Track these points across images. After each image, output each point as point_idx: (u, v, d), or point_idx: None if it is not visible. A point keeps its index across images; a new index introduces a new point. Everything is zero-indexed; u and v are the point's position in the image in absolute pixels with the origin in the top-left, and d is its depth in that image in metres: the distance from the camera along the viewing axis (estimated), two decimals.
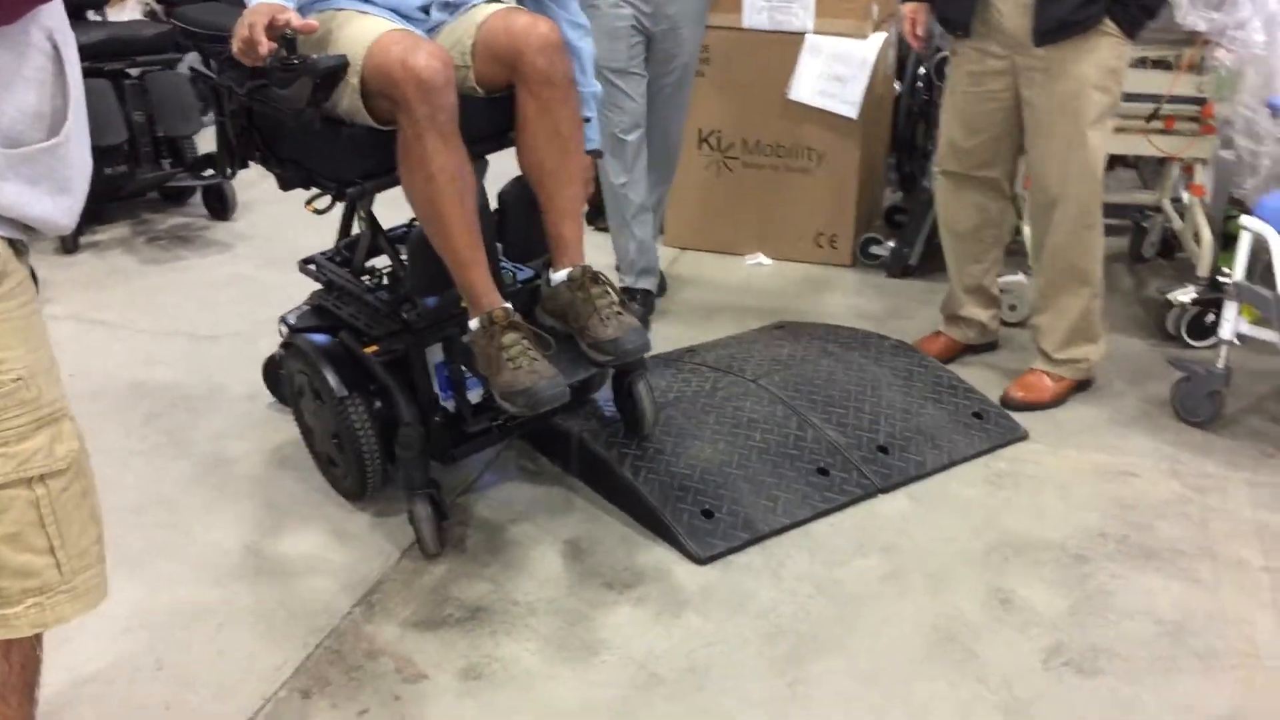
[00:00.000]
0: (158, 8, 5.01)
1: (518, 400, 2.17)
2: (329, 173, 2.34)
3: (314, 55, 2.06)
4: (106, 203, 4.30)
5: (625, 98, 3.22)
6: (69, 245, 4.07)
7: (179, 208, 4.57)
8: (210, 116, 5.04)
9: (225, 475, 2.75)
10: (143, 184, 4.26)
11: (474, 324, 2.26)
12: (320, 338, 2.52)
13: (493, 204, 2.49)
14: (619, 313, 2.31)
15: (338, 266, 2.64)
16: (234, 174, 2.52)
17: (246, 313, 3.58)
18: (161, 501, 2.64)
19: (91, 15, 4.44)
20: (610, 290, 2.35)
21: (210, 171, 4.34)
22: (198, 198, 4.52)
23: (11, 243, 1.27)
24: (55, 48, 1.26)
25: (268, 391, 3.04)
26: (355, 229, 2.63)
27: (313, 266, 2.67)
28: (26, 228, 1.29)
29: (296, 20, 2.03)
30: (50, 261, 3.97)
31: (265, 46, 2.00)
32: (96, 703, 2.04)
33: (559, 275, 2.37)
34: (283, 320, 2.65)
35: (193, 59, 4.81)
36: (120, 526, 2.54)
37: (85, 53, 4.15)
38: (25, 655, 1.41)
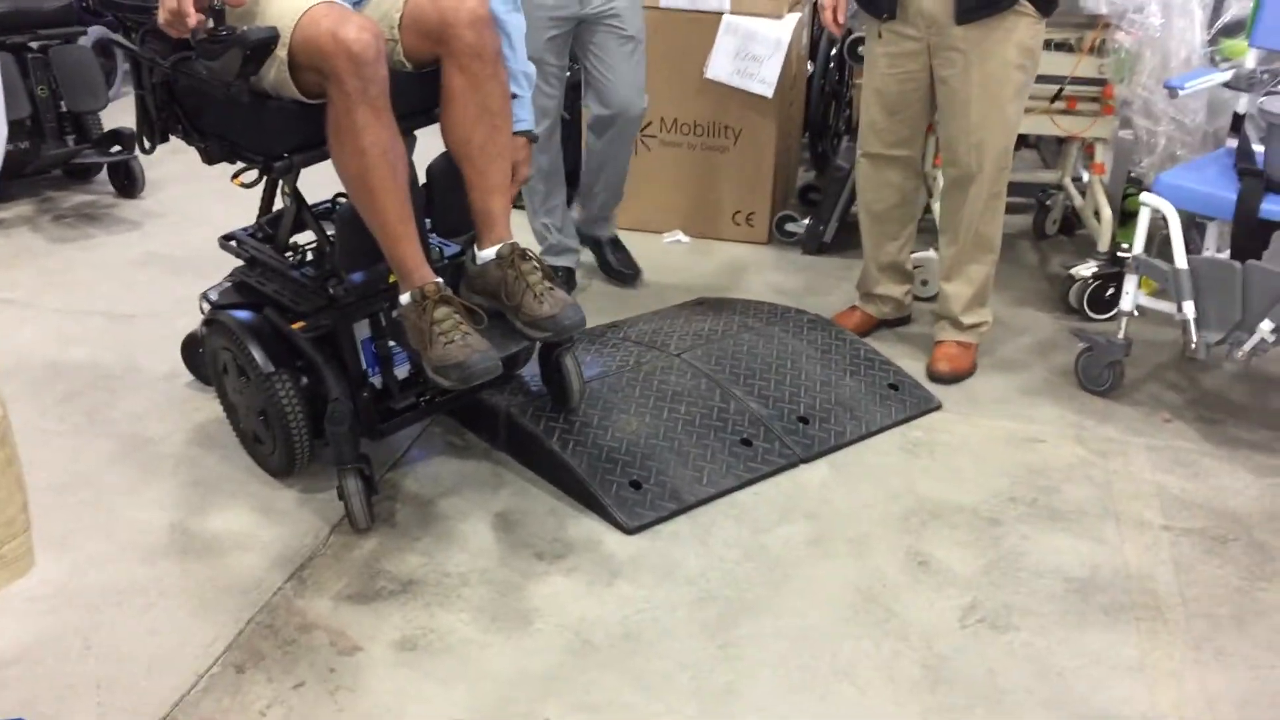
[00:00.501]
0: None
1: (451, 374, 2.19)
2: (256, 147, 2.32)
3: (243, 27, 2.05)
4: (9, 180, 4.18)
5: (539, 91, 3.23)
6: None
7: (84, 185, 4.46)
8: (115, 91, 4.97)
9: (148, 454, 2.71)
10: (47, 160, 4.16)
11: (405, 298, 2.27)
12: (244, 314, 2.51)
13: (421, 179, 2.49)
14: (551, 289, 2.34)
15: (260, 243, 2.62)
16: (153, 148, 2.47)
17: (162, 291, 3.53)
18: (83, 481, 2.61)
19: None
20: (539, 266, 2.38)
21: (118, 148, 4.25)
22: (103, 175, 4.42)
23: None
24: None
25: (187, 370, 3.01)
26: (277, 204, 2.62)
27: (234, 243, 2.64)
28: None
29: None
30: None
31: (194, 19, 1.98)
32: (24, 684, 2.01)
33: (487, 253, 2.39)
34: (204, 297, 2.62)
35: (96, 32, 4.70)
36: (41, 506, 2.47)
37: None
38: None
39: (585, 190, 3.57)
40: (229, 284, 2.64)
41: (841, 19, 3.12)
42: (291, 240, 2.61)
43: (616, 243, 3.74)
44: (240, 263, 2.64)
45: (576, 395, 2.66)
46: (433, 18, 2.25)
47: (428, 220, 2.51)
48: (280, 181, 2.50)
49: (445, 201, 2.47)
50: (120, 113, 4.51)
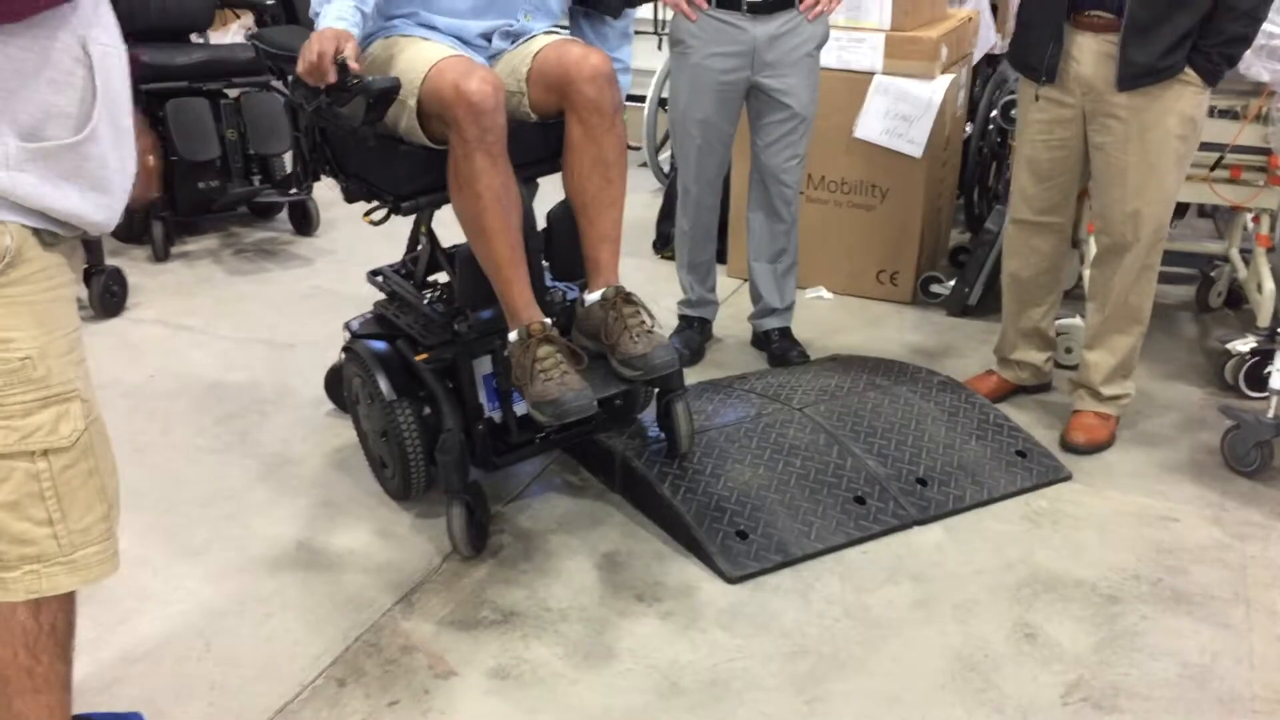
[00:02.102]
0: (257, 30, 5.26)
1: (546, 410, 2.28)
2: (388, 187, 2.48)
3: (370, 76, 2.20)
4: (198, 215, 4.52)
5: (698, 150, 3.30)
6: (160, 254, 4.29)
7: (266, 222, 4.78)
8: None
9: (287, 474, 2.88)
10: (233, 198, 4.48)
11: (512, 336, 2.37)
12: (378, 344, 2.65)
13: (541, 224, 2.59)
14: (649, 331, 2.40)
15: (401, 279, 2.77)
16: (309, 186, 2.66)
17: (323, 323, 3.74)
18: (227, 496, 2.78)
19: (194, 37, 4.69)
20: (642, 310, 2.44)
21: (295, 189, 4.54)
22: (284, 213, 4.74)
23: (36, 231, 1.37)
24: (86, 53, 1.36)
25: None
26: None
27: (380, 278, 2.80)
28: (59, 221, 1.39)
29: (351, 51, 2.17)
30: (141, 269, 4.19)
31: (327, 72, 2.14)
32: (145, 680, 2.16)
33: (593, 296, 2.47)
34: (346, 326, 2.79)
35: None
36: (185, 518, 2.69)
37: (185, 73, 4.40)
38: (55, 617, 1.50)
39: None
40: (370, 315, 2.80)
41: (697, 3, 3.11)
42: (433, 278, 2.75)
43: (785, 331, 3.61)
44: (384, 296, 2.80)
45: (684, 442, 2.69)
46: (557, 72, 2.36)
47: (547, 264, 2.61)
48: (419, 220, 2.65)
49: (563, 246, 2.56)
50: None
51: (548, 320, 2.37)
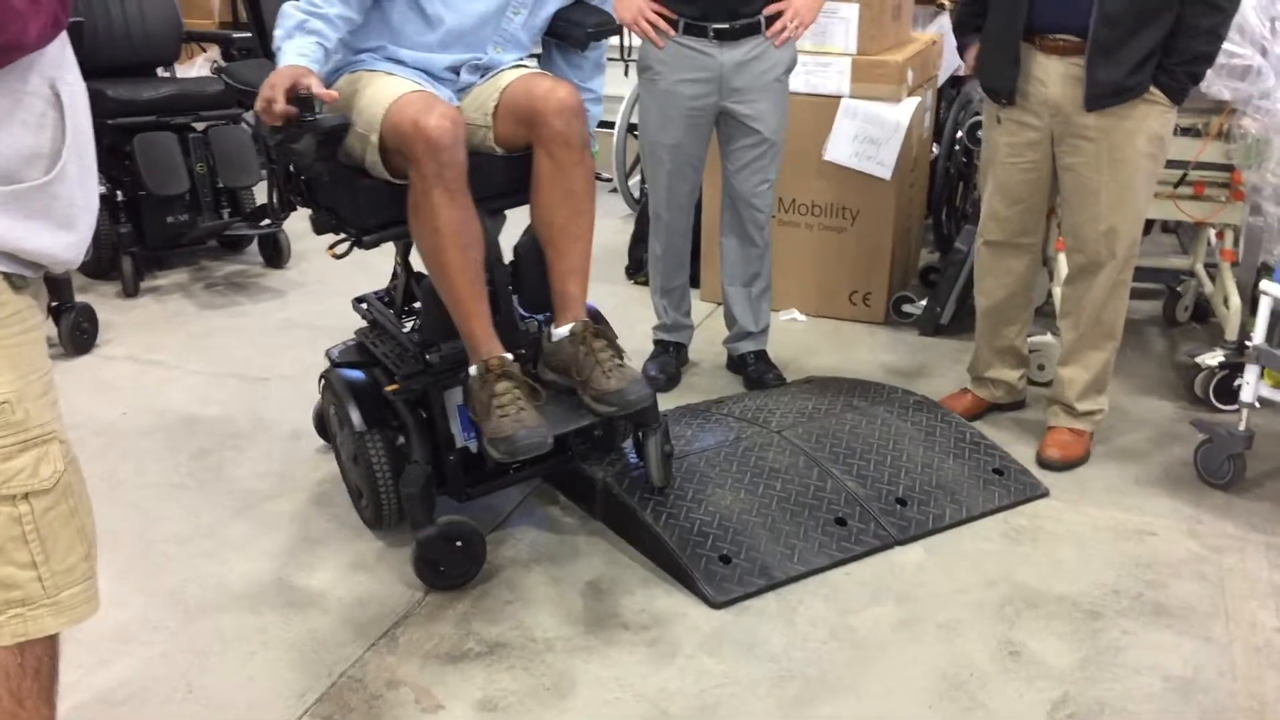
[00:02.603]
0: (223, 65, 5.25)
1: (500, 446, 2.29)
2: (352, 220, 2.49)
3: (320, 114, 2.21)
4: (168, 250, 4.49)
5: (667, 175, 3.32)
6: (130, 289, 4.25)
7: (236, 255, 4.76)
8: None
9: (266, 510, 2.86)
10: (203, 232, 4.45)
11: (472, 370, 2.38)
12: (353, 373, 2.65)
13: (508, 256, 2.60)
14: (621, 365, 2.40)
15: (384, 306, 2.77)
16: (284, 217, 2.66)
17: (297, 357, 3.72)
18: (205, 533, 2.76)
19: (161, 72, 4.67)
20: (611, 344, 2.44)
21: (267, 221, 4.52)
22: (254, 246, 4.71)
23: (8, 276, 1.37)
24: (56, 94, 1.37)
25: (313, 432, 3.16)
26: None
27: (364, 305, 2.80)
28: (27, 262, 1.39)
29: (317, 86, 2.18)
30: (111, 304, 4.15)
31: (281, 107, 2.16)
32: None
33: (561, 331, 2.47)
34: (327, 354, 2.78)
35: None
36: (163, 557, 2.66)
37: (153, 107, 4.39)
38: (39, 660, 1.48)
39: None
40: (351, 343, 2.79)
41: (664, 29, 3.14)
42: (417, 304, 2.75)
43: (760, 354, 3.61)
44: (365, 323, 2.79)
45: (657, 478, 2.66)
46: (525, 106, 2.38)
47: (516, 296, 2.62)
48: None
49: (531, 278, 2.57)
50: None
51: (508, 355, 2.39)
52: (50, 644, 1.50)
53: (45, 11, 1.28)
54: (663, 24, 3.16)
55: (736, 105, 3.22)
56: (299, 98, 2.17)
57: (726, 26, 3.13)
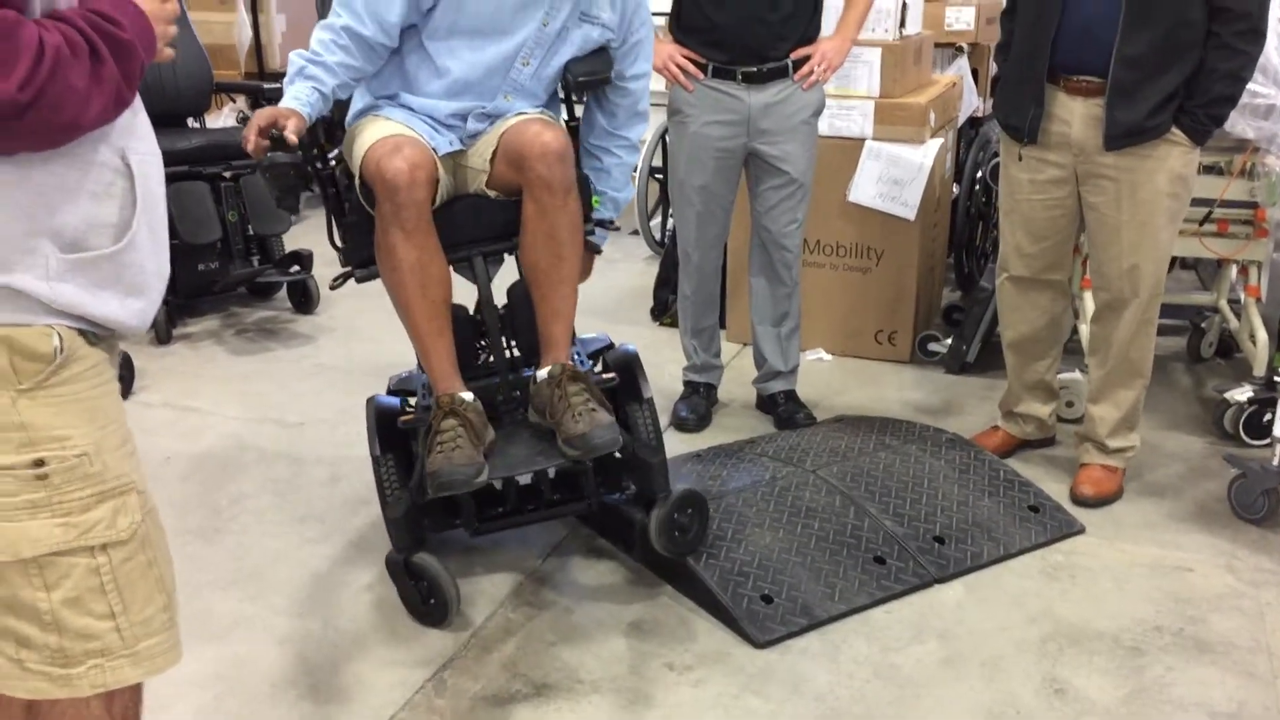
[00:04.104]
0: (249, 114, 5.34)
1: (429, 481, 2.35)
2: (348, 254, 2.58)
3: (272, 154, 2.31)
4: (200, 297, 4.55)
5: (696, 216, 3.38)
6: (163, 337, 4.31)
7: (265, 302, 4.81)
8: (298, 217, 5.38)
9: (308, 553, 2.89)
10: (234, 279, 4.50)
11: (431, 405, 2.46)
12: (388, 400, 2.71)
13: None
14: (593, 410, 2.41)
15: None
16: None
17: (330, 401, 3.76)
18: (249, 577, 2.79)
19: (191, 122, 4.76)
20: (587, 389, 2.46)
21: (296, 268, 4.58)
22: (283, 292, 4.77)
23: (83, 332, 1.39)
24: (126, 164, 1.38)
25: (351, 475, 3.19)
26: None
27: None
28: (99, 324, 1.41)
29: (292, 127, 2.27)
30: (146, 352, 4.20)
31: (252, 144, 2.27)
32: None
33: (542, 373, 2.51)
34: (391, 380, 2.85)
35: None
36: (207, 601, 2.69)
37: (186, 157, 4.45)
38: (125, 708, 1.51)
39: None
40: (411, 371, 2.84)
41: (692, 73, 3.21)
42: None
43: (790, 394, 3.63)
44: None
45: (657, 546, 2.61)
46: (514, 149, 2.45)
47: (512, 341, 2.68)
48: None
49: (523, 321, 2.62)
50: (301, 235, 4.88)
51: (465, 395, 2.44)
52: (135, 691, 1.52)
53: (106, 91, 1.28)
54: (692, 68, 3.23)
55: (764, 147, 3.28)
56: (272, 136, 2.28)
57: (754, 70, 3.20)
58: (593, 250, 2.72)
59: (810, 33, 3.25)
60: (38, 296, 1.32)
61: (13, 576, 1.37)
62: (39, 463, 1.35)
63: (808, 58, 3.22)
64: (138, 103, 1.41)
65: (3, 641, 1.40)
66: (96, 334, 1.42)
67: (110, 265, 1.38)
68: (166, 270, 1.49)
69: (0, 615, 1.39)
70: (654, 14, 3.17)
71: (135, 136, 1.41)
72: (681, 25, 3.27)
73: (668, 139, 3.46)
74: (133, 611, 1.45)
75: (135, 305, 1.43)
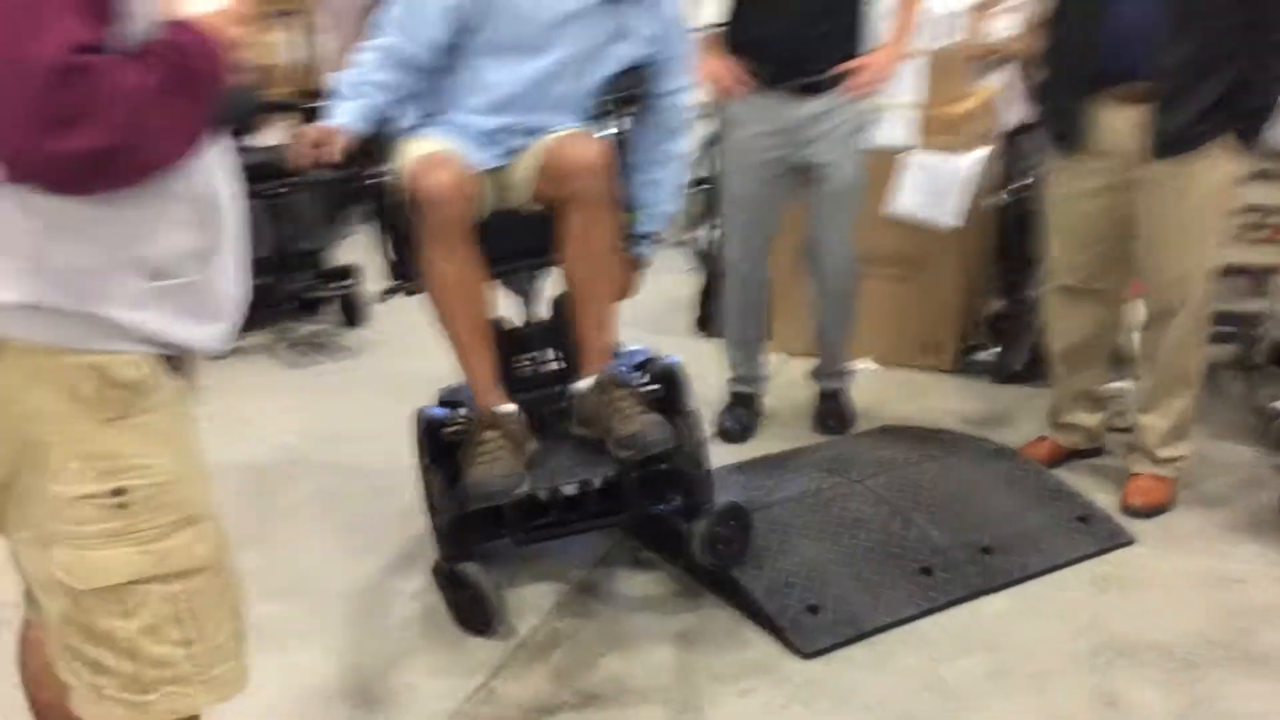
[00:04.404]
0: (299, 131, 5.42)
1: (470, 491, 2.39)
2: (396, 268, 2.64)
3: (323, 170, 2.39)
4: (251, 311, 4.61)
5: (742, 225, 3.41)
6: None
7: (314, 316, 4.88)
8: (347, 231, 5.45)
9: (358, 563, 2.93)
10: (285, 294, 4.57)
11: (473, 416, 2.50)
12: (438, 410, 2.75)
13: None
14: (642, 411, 2.45)
15: None
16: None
17: (376, 414, 3.79)
18: (298, 588, 2.83)
19: (243, 140, 4.83)
20: (633, 393, 2.49)
21: (346, 281, 4.65)
22: (333, 306, 4.83)
23: (166, 359, 1.40)
24: (212, 191, 1.38)
25: (398, 489, 3.22)
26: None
27: None
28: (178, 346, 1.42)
29: (338, 143, 2.36)
30: (198, 365, 4.26)
31: (304, 159, 2.37)
32: None
33: (584, 383, 2.53)
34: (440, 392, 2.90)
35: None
36: (258, 611, 2.69)
37: (243, 175, 4.50)
38: None
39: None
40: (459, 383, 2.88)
41: (741, 86, 3.24)
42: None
43: (834, 394, 3.70)
44: None
45: (698, 558, 2.63)
46: (555, 163, 2.48)
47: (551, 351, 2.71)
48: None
49: (566, 334, 2.64)
50: (350, 250, 4.94)
51: (506, 407, 2.48)
52: (199, 715, 1.52)
53: (191, 126, 1.29)
54: (741, 81, 3.25)
55: (812, 157, 3.30)
56: (317, 153, 2.36)
57: (801, 82, 3.22)
58: (641, 264, 2.75)
59: (861, 45, 3.27)
60: (124, 324, 1.33)
61: (91, 604, 1.38)
62: (119, 491, 1.35)
63: (858, 69, 3.23)
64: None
65: (80, 666, 1.41)
66: (178, 360, 1.43)
67: (194, 292, 1.39)
68: (246, 294, 1.51)
69: (78, 642, 1.40)
70: (706, 27, 3.22)
71: (220, 166, 1.41)
72: (732, 39, 3.31)
73: (717, 150, 3.48)
74: (206, 639, 1.45)
75: (216, 329, 1.45)
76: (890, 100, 3.91)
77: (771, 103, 3.26)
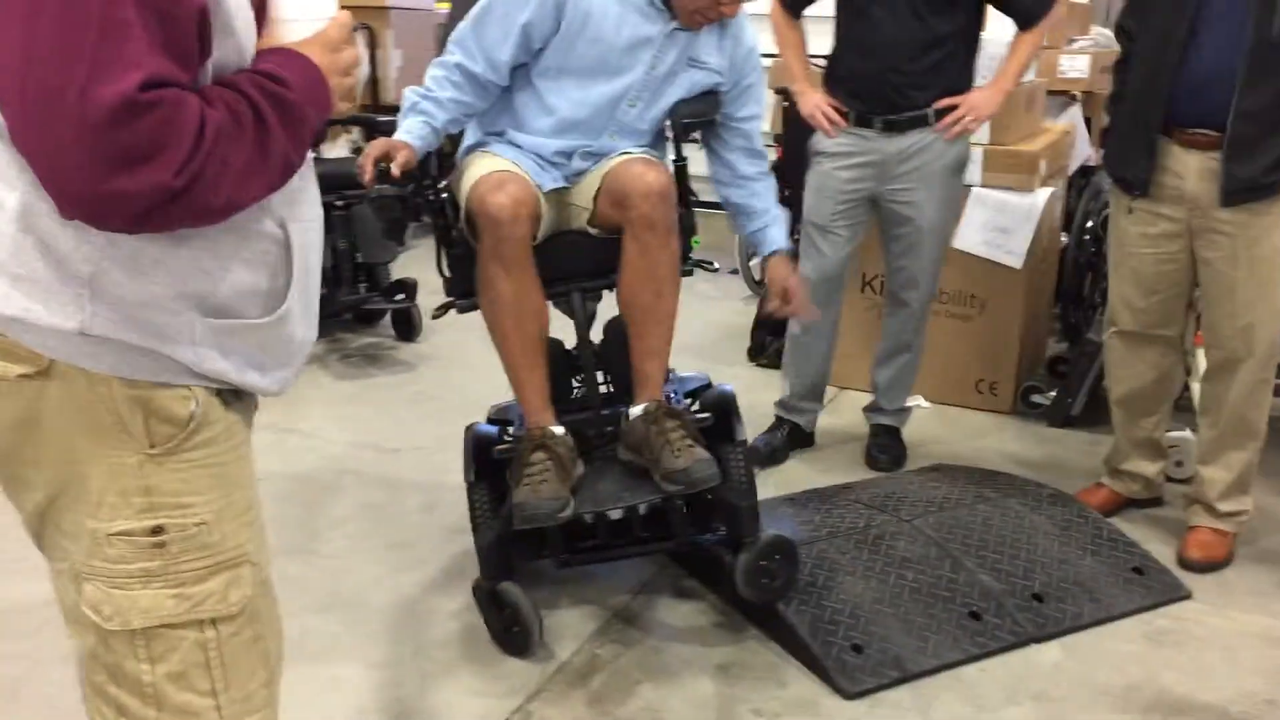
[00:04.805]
0: (363, 145, 5.48)
1: (515, 511, 2.38)
2: (453, 285, 2.65)
3: (379, 187, 2.39)
4: None
5: (816, 252, 3.40)
6: None
7: (370, 328, 4.92)
8: (404, 246, 5.50)
9: (403, 580, 2.92)
10: (341, 305, 4.62)
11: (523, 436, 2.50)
12: (487, 428, 2.75)
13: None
14: (690, 445, 2.42)
15: None
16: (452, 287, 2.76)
17: (428, 429, 3.82)
18: (344, 602, 2.83)
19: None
20: (683, 425, 2.47)
21: (401, 296, 4.68)
22: (387, 319, 4.87)
23: (219, 391, 1.32)
24: (285, 233, 1.30)
25: (445, 504, 3.24)
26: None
27: None
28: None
29: (400, 160, 2.37)
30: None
31: (367, 174, 2.37)
32: None
33: (635, 410, 2.51)
34: (490, 409, 2.91)
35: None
36: (302, 623, 2.74)
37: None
38: None
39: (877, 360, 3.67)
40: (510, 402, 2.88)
41: (836, 120, 3.27)
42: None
43: (889, 430, 3.67)
44: None
45: (742, 592, 2.58)
46: (617, 188, 2.47)
47: (606, 376, 2.70)
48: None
49: (617, 358, 2.62)
50: (408, 264, 4.99)
51: (556, 429, 2.48)
52: None
53: (271, 166, 1.21)
54: (836, 116, 3.28)
55: (893, 193, 3.31)
56: (380, 169, 2.37)
57: (892, 119, 3.24)
58: (786, 253, 2.82)
59: (960, 83, 3.26)
60: (180, 360, 1.27)
61: (119, 645, 1.32)
62: (158, 530, 1.29)
63: (954, 107, 3.21)
64: (307, 166, 1.33)
65: (104, 706, 1.36)
66: (235, 393, 1.36)
67: (258, 334, 1.32)
68: (314, 336, 1.43)
69: (103, 682, 1.35)
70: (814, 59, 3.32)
71: (299, 203, 1.33)
72: (831, 75, 3.36)
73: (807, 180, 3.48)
74: (234, 688, 1.39)
75: (279, 374, 1.38)
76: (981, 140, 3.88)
77: (861, 137, 3.27)
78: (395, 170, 2.34)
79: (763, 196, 2.79)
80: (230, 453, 1.35)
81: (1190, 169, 2.82)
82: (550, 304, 2.57)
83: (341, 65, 1.30)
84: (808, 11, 3.44)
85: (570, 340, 2.68)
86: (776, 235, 2.79)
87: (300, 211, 1.33)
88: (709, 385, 2.80)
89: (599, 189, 2.53)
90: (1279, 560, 3.01)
